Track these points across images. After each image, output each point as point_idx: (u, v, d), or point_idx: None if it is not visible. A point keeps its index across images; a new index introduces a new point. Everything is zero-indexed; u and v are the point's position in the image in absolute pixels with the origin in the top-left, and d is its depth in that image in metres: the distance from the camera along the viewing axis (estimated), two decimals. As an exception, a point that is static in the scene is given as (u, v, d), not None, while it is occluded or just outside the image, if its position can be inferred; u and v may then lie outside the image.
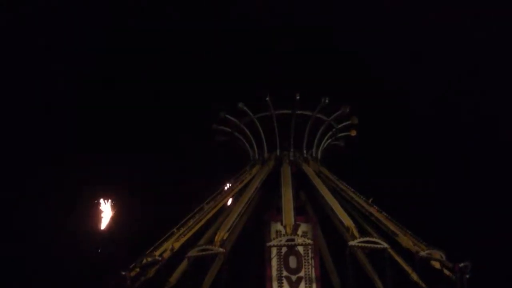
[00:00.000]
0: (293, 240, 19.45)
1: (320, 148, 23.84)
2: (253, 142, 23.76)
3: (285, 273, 20.33)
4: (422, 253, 19.89)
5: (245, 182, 22.28)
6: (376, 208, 21.50)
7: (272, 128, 23.28)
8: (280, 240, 19.77)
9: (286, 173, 22.04)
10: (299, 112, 23.22)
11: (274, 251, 20.40)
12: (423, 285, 20.51)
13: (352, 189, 22.15)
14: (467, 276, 20.04)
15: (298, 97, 22.78)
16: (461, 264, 20.08)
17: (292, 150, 23.34)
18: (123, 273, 20.06)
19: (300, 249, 20.49)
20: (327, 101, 23.27)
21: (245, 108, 23.43)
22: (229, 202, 22.53)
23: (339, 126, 24.14)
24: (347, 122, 24.32)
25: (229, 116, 23.85)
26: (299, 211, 21.52)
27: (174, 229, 20.97)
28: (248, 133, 23.74)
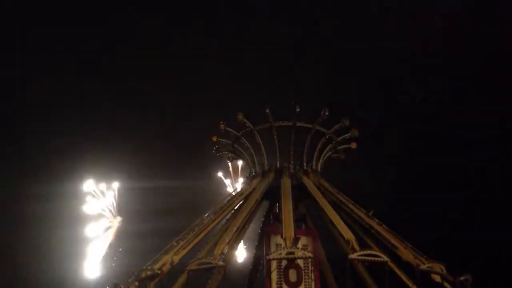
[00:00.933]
0: (293, 253, 19.33)
1: (320, 160, 23.77)
2: (253, 154, 23.70)
3: (285, 286, 20.15)
4: (423, 266, 19.78)
5: (245, 194, 22.19)
6: (376, 221, 21.41)
7: (272, 140, 23.24)
8: (280, 253, 19.66)
9: (286, 185, 21.97)
10: (299, 124, 23.20)
11: (274, 264, 20.26)
12: (424, 298, 20.32)
13: (352, 202, 22.07)
14: (468, 289, 19.94)
15: (298, 110, 22.78)
16: (462, 277, 19.99)
17: (292, 162, 23.28)
18: (121, 287, 19.94)
19: (300, 262, 20.31)
20: (327, 113, 23.26)
21: (245, 120, 23.41)
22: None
23: (339, 138, 24.08)
24: (347, 135, 24.27)
25: (229, 129, 23.81)
26: (299, 224, 21.43)
27: (174, 242, 20.88)
28: (248, 145, 23.69)
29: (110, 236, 27.59)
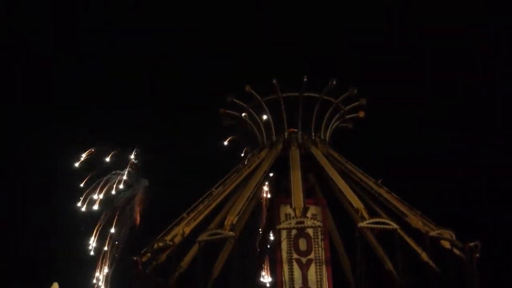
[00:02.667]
0: (302, 222, 19.51)
1: (328, 130, 23.75)
2: (261, 125, 23.70)
3: (295, 255, 20.37)
4: (432, 233, 19.93)
5: (253, 166, 22.27)
6: (385, 189, 21.49)
7: (280, 111, 23.21)
8: (290, 223, 19.86)
9: (295, 156, 22.02)
10: (306, 94, 23.11)
11: (284, 233, 20.44)
12: (433, 264, 20.50)
13: (361, 171, 22.12)
14: (477, 255, 20.09)
15: (305, 80, 22.68)
16: (471, 244, 20.12)
17: (300, 132, 23.27)
18: (135, 258, 20.30)
19: (310, 231, 20.50)
20: (334, 82, 23.14)
21: (252, 91, 23.35)
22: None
23: (347, 107, 24.00)
24: (355, 104, 24.17)
25: (236, 100, 23.78)
26: (308, 194, 21.55)
27: (184, 214, 21.12)
28: (256, 116, 23.69)
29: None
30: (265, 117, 23.37)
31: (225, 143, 25.65)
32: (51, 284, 9.35)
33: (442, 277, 20.02)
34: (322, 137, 23.50)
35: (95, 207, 27.43)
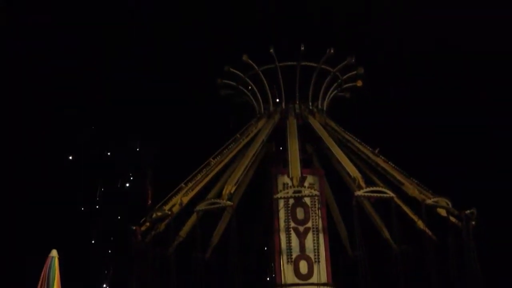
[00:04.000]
0: (300, 191, 19.63)
1: (326, 99, 23.71)
2: (258, 95, 23.64)
3: (292, 224, 20.62)
4: (428, 201, 20.10)
5: (251, 136, 22.30)
6: (382, 158, 21.59)
7: (277, 80, 23.12)
8: (287, 192, 20.00)
9: (292, 125, 22.04)
10: (304, 63, 23.00)
11: (281, 203, 20.63)
12: (429, 232, 20.74)
13: (358, 140, 22.17)
14: (473, 223, 20.33)
15: (302, 48, 22.53)
16: (467, 211, 20.35)
17: (297, 102, 23.24)
18: (133, 227, 20.52)
19: (307, 200, 20.70)
20: (332, 51, 23.00)
21: (249, 61, 23.21)
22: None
23: (345, 76, 23.91)
24: (353, 73, 24.07)
25: (233, 70, 23.66)
26: (306, 164, 21.66)
27: (182, 184, 21.26)
28: (253, 86, 23.60)
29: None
30: (262, 86, 23.30)
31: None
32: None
33: (439, 244, 20.27)
34: (320, 106, 23.48)
35: None
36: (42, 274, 8.79)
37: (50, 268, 8.86)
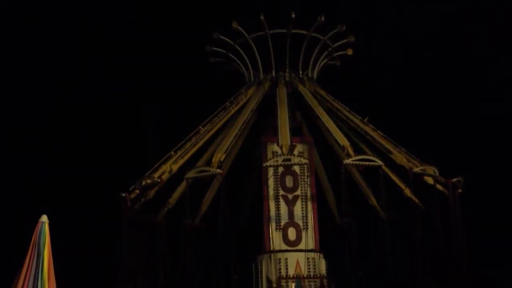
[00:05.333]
0: (289, 160, 19.77)
1: (316, 68, 23.63)
2: (248, 63, 23.50)
3: (281, 192, 20.81)
4: (416, 169, 20.33)
5: (240, 104, 22.25)
6: (371, 126, 21.69)
7: (267, 48, 22.95)
8: (277, 160, 20.13)
9: (282, 94, 22.00)
10: (294, 31, 22.81)
11: (270, 171, 20.76)
12: (416, 200, 21.02)
13: (348, 109, 22.21)
14: (460, 190, 20.63)
15: (293, 16, 22.32)
16: (454, 179, 20.63)
17: (287, 70, 23.15)
18: (123, 194, 20.57)
19: (296, 168, 20.86)
20: (322, 19, 22.82)
21: (239, 28, 22.98)
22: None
23: (335, 45, 23.79)
24: (344, 41, 23.95)
25: (223, 37, 23.43)
26: (295, 132, 21.73)
27: (172, 152, 21.27)
28: (243, 54, 23.42)
29: None
30: (252, 54, 23.14)
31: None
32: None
33: (425, 212, 20.58)
34: (310, 75, 23.42)
35: None
36: (32, 240, 8.81)
37: (40, 233, 8.88)
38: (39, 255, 9.18)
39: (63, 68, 27.38)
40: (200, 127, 21.93)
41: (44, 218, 9.50)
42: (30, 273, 9.05)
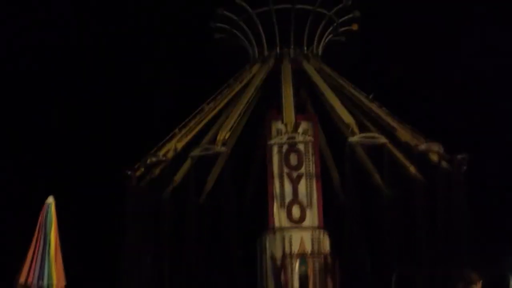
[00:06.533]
0: (293, 138, 19.74)
1: (321, 44, 23.42)
2: (252, 39, 23.29)
3: (286, 170, 20.81)
4: (421, 147, 20.25)
5: (245, 81, 22.12)
6: (376, 103, 21.56)
7: (272, 24, 22.71)
8: (281, 138, 20.09)
9: (286, 71, 21.85)
10: (299, 6, 22.54)
11: (275, 149, 20.75)
12: (421, 177, 20.99)
13: (353, 85, 22.06)
14: (464, 167, 20.57)
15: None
16: (459, 156, 20.55)
17: (292, 47, 22.94)
18: (129, 172, 20.64)
19: (301, 146, 20.83)
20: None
21: (243, 3, 22.72)
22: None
23: (340, 20, 23.51)
24: (349, 16, 23.67)
25: (227, 13, 23.18)
26: (300, 109, 21.62)
27: (176, 130, 21.26)
28: (247, 30, 23.20)
29: None
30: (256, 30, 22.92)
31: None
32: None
33: (429, 189, 20.56)
34: (315, 51, 23.21)
35: None
36: (39, 221, 8.87)
37: (47, 215, 8.94)
38: (46, 236, 9.26)
39: (66, 47, 27.18)
40: (205, 104, 21.89)
41: (50, 199, 9.55)
42: (38, 254, 9.15)
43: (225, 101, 21.84)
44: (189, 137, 21.03)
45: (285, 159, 20.75)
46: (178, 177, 21.71)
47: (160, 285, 19.52)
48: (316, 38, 23.25)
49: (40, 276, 8.71)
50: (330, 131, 22.44)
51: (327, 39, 23.71)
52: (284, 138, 19.86)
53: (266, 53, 22.93)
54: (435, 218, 19.66)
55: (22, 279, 8.65)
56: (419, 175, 20.92)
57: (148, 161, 20.75)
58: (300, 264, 19.75)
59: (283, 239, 19.98)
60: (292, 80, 21.50)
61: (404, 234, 19.20)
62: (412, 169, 21.13)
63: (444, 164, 20.74)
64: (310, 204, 20.64)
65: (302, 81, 22.44)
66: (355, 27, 23.94)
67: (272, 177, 20.75)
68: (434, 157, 20.78)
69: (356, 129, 19.43)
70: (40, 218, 9.14)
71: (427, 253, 19.10)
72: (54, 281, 8.85)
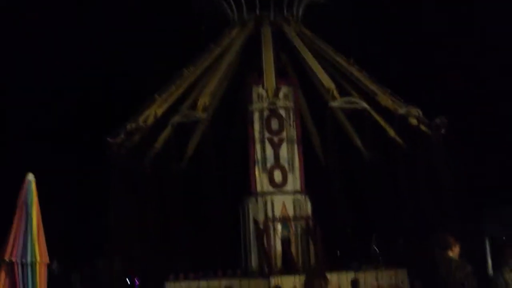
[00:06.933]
0: (274, 103, 19.70)
1: (301, 7, 23.09)
2: (231, 2, 22.86)
3: (267, 135, 20.85)
4: (401, 111, 20.39)
5: (224, 45, 21.82)
6: (357, 67, 21.51)
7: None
8: (262, 104, 20.02)
9: (267, 35, 21.59)
10: (278, -33, 22.11)
11: (256, 114, 20.71)
12: (400, 140, 21.23)
13: (333, 49, 21.92)
14: (442, 131, 20.84)
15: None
16: (437, 120, 20.79)
17: (272, 10, 22.59)
18: (109, 139, 20.44)
19: (282, 111, 20.82)
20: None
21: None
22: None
23: (321, -19, 23.12)
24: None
25: (205, -25, 22.63)
26: (281, 73, 21.49)
27: (156, 95, 21.01)
28: (226, -8, 22.73)
29: None
30: None
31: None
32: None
33: (409, 153, 20.84)
34: (295, 14, 22.90)
35: None
36: (19, 199, 8.77)
37: (27, 192, 8.84)
38: (28, 213, 9.18)
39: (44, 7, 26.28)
40: (184, 69, 21.59)
41: (30, 176, 9.42)
42: (20, 231, 9.09)
43: (205, 65, 21.56)
44: (169, 102, 20.81)
45: (266, 124, 20.75)
46: (159, 143, 21.61)
47: (144, 251, 19.67)
48: (296, 1, 22.90)
49: (24, 254, 8.68)
50: (311, 96, 22.41)
51: (307, 1, 23.36)
52: (265, 104, 19.80)
53: (245, 16, 22.54)
54: (414, 181, 20.01)
55: (6, 256, 8.63)
56: (398, 139, 21.17)
57: (128, 127, 20.52)
58: (282, 228, 20.04)
59: (265, 203, 20.17)
60: (273, 44, 21.26)
61: (384, 196, 19.55)
62: (391, 132, 21.34)
63: (423, 127, 20.97)
64: (291, 168, 20.79)
65: (282, 45, 22.22)
66: (335, -12, 23.56)
67: (254, 142, 20.78)
68: (414, 121, 20.97)
69: (336, 94, 19.42)
70: (20, 195, 9.04)
71: (407, 216, 19.50)
72: (38, 258, 8.84)
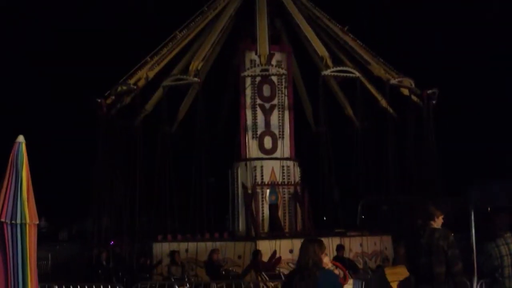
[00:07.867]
0: (267, 70, 19.56)
1: (297, -29, 22.67)
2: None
3: (259, 101, 20.84)
4: (393, 81, 20.39)
5: (218, 9, 21.49)
6: (351, 36, 21.37)
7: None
8: (254, 71, 19.91)
9: (261, 1, 21.25)
10: None
11: (248, 80, 20.61)
12: (391, 110, 21.30)
13: (328, 17, 21.71)
14: (434, 102, 20.93)
15: None
16: (429, 91, 20.86)
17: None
18: (99, 100, 20.29)
19: (274, 78, 20.74)
20: None
21: None
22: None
23: None
24: None
25: None
26: (274, 39, 21.28)
27: (148, 58, 20.79)
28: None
29: None
30: None
31: None
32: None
33: (400, 122, 20.96)
34: (290, -21, 22.51)
35: None
36: (9, 160, 8.74)
37: (17, 153, 8.80)
38: (18, 175, 9.15)
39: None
40: (177, 32, 21.31)
41: (21, 138, 9.33)
42: (10, 193, 9.09)
43: (198, 29, 21.29)
44: (161, 65, 20.62)
45: (258, 90, 20.70)
46: (150, 105, 21.52)
47: (132, 213, 19.81)
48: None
49: (14, 215, 8.70)
50: (304, 63, 22.31)
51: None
52: (258, 70, 19.67)
53: (240, -20, 22.11)
54: (403, 150, 20.20)
55: (-5, 217, 8.65)
56: (390, 108, 21.22)
57: (119, 89, 20.37)
58: (270, 193, 20.24)
59: (254, 169, 20.29)
60: (267, 10, 20.95)
61: (371, 165, 19.72)
62: (383, 102, 21.39)
63: (414, 98, 21.02)
64: (282, 135, 20.86)
65: (277, 11, 21.93)
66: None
67: (245, 108, 20.76)
68: (405, 92, 21.01)
69: (330, 63, 19.33)
70: (10, 156, 9.02)
71: (393, 184, 19.70)
72: (27, 220, 8.87)
